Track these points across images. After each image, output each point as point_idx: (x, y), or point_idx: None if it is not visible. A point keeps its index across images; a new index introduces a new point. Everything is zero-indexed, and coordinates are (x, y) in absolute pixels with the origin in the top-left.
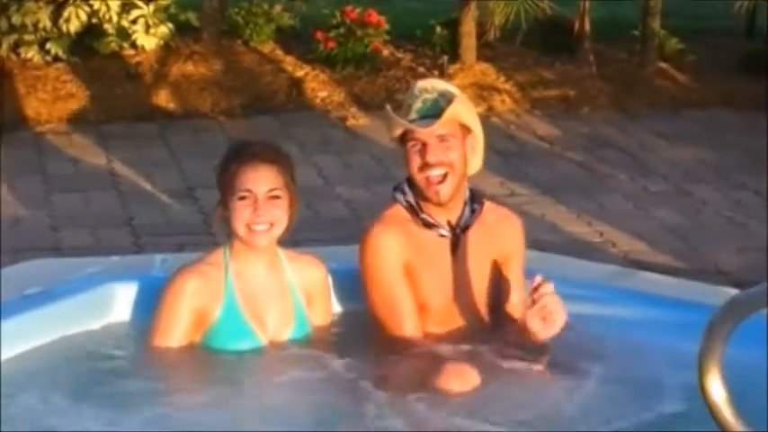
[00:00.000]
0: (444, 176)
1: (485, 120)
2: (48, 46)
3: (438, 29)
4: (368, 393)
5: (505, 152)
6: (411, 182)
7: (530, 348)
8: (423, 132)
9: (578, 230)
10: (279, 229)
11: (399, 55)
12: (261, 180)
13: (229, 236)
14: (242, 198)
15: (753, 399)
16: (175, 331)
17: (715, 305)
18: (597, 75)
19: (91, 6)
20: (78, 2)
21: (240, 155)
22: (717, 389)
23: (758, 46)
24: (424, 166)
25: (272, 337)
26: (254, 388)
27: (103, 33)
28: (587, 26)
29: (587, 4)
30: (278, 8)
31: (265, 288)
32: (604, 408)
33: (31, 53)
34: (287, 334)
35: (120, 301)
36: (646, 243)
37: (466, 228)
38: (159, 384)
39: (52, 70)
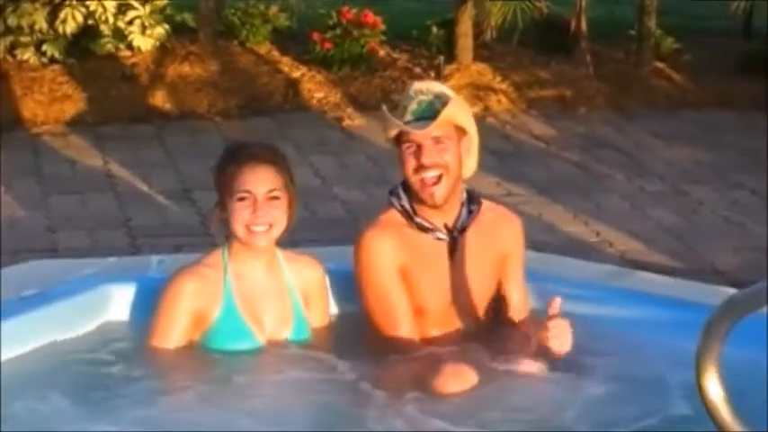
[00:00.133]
0: (439, 178)
1: (481, 120)
2: (44, 47)
3: (434, 29)
4: (366, 394)
5: (502, 152)
6: (406, 185)
7: (530, 351)
8: (418, 134)
9: (575, 230)
10: (278, 230)
11: (396, 55)
12: (260, 181)
13: (228, 237)
14: (241, 199)
15: (752, 399)
16: (173, 333)
17: (712, 305)
18: (594, 75)
19: (87, 8)
20: (74, 3)
21: (238, 156)
22: (714, 388)
23: (755, 46)
24: (419, 167)
25: (270, 338)
26: (252, 388)
27: (100, 35)
28: (584, 26)
29: (583, 3)
30: (274, 9)
31: (264, 289)
32: (601, 408)
33: (28, 55)
34: (285, 334)
35: (118, 302)
36: (642, 243)
37: (463, 229)
38: (157, 385)
39: (48, 72)
